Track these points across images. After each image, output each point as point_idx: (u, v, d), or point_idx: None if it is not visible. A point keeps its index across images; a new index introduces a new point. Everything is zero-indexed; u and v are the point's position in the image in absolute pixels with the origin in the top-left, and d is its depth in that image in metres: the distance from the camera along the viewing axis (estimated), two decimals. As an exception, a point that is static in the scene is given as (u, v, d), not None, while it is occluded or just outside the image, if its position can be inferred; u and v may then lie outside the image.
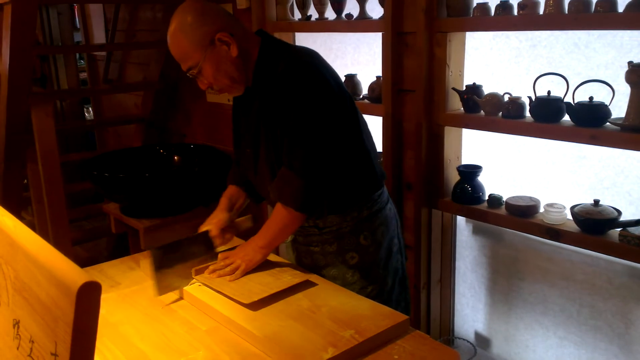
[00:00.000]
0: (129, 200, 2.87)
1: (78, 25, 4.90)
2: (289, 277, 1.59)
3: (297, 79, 1.53)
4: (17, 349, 0.85)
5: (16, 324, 0.86)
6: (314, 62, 1.58)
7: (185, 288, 1.59)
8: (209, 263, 1.66)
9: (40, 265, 0.78)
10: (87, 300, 0.69)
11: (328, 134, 1.56)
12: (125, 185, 2.74)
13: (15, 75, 2.73)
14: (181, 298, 1.59)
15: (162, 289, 1.57)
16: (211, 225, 1.71)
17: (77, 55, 5.16)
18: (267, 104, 1.59)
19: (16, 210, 3.07)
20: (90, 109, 4.94)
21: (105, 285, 1.66)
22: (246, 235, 1.83)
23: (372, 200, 1.71)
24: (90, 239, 3.64)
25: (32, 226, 3.15)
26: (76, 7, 4.97)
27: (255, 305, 1.45)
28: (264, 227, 1.66)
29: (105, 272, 1.78)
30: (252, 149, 1.69)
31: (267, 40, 1.64)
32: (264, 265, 1.65)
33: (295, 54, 1.59)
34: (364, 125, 1.72)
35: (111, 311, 1.51)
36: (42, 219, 3.08)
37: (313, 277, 1.62)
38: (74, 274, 0.72)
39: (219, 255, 1.68)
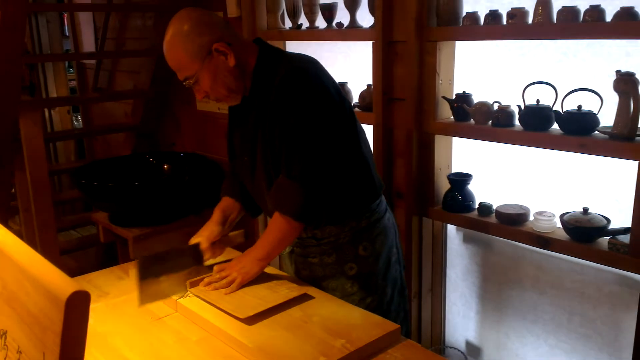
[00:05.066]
0: (118, 209, 2.86)
1: (67, 33, 4.89)
2: (286, 290, 1.57)
3: (296, 85, 1.50)
4: (5, 359, 0.84)
5: (3, 334, 0.85)
6: (313, 69, 1.56)
7: (176, 299, 1.56)
8: (204, 275, 1.63)
9: (29, 274, 0.77)
10: (76, 310, 0.69)
11: (327, 142, 1.54)
12: (114, 193, 2.72)
13: (4, 84, 2.71)
14: (175, 312, 1.56)
15: (145, 298, 1.55)
16: (202, 237, 1.67)
17: (67, 63, 5.15)
18: (266, 111, 1.56)
19: (3, 219, 3.04)
20: (80, 118, 4.93)
21: (94, 295, 1.64)
22: (237, 250, 1.81)
23: (370, 210, 1.68)
24: (78, 248, 3.61)
25: (19, 235, 3.10)
26: (65, 15, 4.96)
27: (251, 320, 1.43)
28: (261, 238, 1.63)
29: (93, 282, 1.76)
30: (249, 157, 1.66)
31: (265, 49, 1.61)
32: (261, 278, 1.63)
33: (294, 61, 1.57)
34: (362, 133, 1.69)
35: (100, 321, 1.49)
36: (29, 228, 3.05)
37: (310, 290, 1.60)
38: (63, 284, 0.71)
39: (215, 268, 1.64)
